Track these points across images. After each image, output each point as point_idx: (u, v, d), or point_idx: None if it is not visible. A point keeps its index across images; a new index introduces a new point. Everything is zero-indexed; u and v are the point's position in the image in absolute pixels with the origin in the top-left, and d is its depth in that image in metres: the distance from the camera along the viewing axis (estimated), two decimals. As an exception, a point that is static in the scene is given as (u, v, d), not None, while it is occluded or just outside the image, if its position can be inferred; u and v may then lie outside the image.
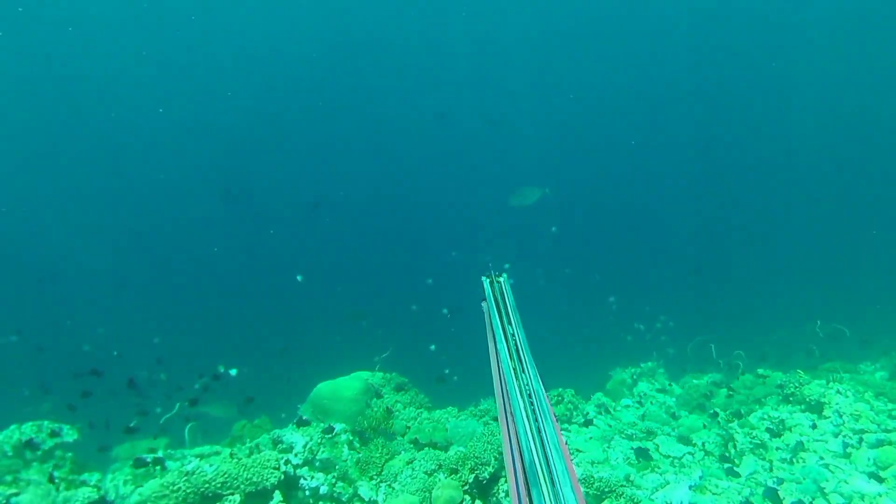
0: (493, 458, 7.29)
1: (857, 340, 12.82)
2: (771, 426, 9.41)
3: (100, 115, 22.51)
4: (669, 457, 9.51)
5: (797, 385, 9.96)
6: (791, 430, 9.24)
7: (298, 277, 14.69)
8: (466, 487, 7.13)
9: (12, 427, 9.76)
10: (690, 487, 8.06)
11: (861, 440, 8.60)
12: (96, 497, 8.35)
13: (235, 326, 17.72)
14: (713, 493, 8.11)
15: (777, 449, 8.94)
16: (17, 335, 13.87)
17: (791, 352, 13.31)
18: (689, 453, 9.52)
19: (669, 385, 12.98)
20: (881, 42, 21.45)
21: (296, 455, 7.86)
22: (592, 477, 7.25)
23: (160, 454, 9.88)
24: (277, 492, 7.05)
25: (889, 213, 19.19)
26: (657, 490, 8.10)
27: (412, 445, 8.77)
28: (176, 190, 23.97)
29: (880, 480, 7.74)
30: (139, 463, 8.80)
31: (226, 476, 6.84)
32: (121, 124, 22.79)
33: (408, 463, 8.31)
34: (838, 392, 9.49)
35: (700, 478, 8.33)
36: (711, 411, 11.05)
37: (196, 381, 12.12)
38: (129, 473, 9.31)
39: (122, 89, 22.42)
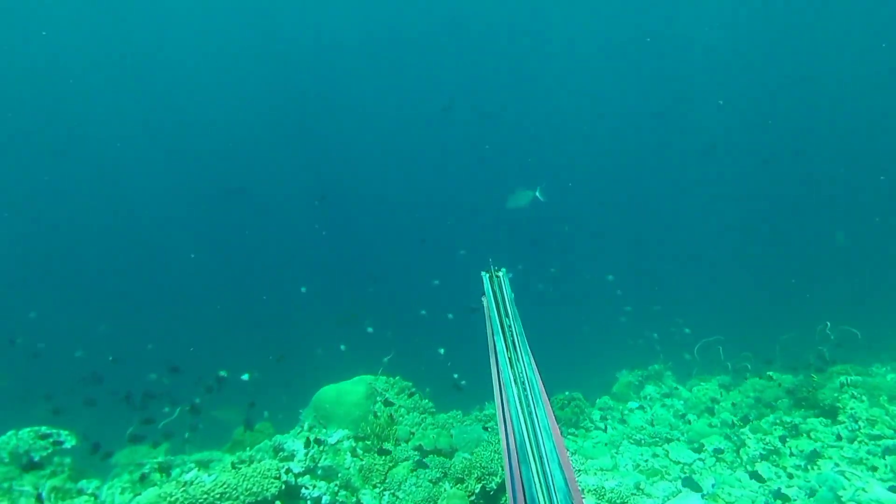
0: (500, 468, 7.01)
1: (868, 342, 12.49)
2: (784, 432, 9.09)
3: (99, 115, 22.25)
4: (680, 463, 9.22)
5: (810, 389, 9.65)
6: (805, 436, 8.92)
7: (302, 289, 14.49)
8: (473, 498, 6.85)
9: (9, 433, 9.49)
10: (703, 496, 7.76)
11: (879, 446, 8.28)
12: (92, 507, 8.07)
13: (239, 330, 17.45)
14: (726, 502, 7.81)
15: (791, 455, 8.63)
16: (15, 342, 13.67)
17: (800, 354, 12.98)
18: (700, 459, 9.22)
19: (676, 388, 12.67)
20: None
21: (297, 463, 7.59)
22: (604, 488, 6.95)
23: (160, 460, 9.64)
24: (278, 502, 6.78)
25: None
26: (669, 499, 7.80)
27: (416, 452, 8.47)
28: (174, 191, 23.72)
29: (899, 488, 7.44)
30: (142, 476, 8.55)
31: (224, 486, 6.56)
32: (120, 123, 22.54)
33: (412, 470, 8.03)
34: (853, 396, 9.18)
35: (713, 486, 8.02)
36: (721, 415, 10.76)
37: (198, 386, 11.88)
38: (126, 481, 9.05)
39: (121, 87, 22.18)
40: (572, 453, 9.72)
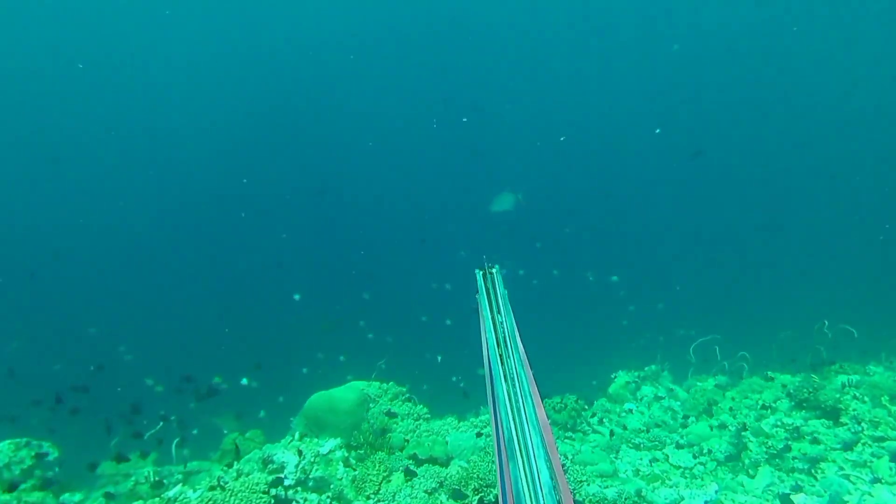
0: (497, 479, 6.69)
1: (865, 341, 12.27)
2: (786, 434, 8.83)
3: (87, 116, 21.80)
4: (680, 467, 8.95)
5: (811, 390, 9.39)
6: (807, 439, 8.66)
7: (296, 297, 14.18)
8: (470, 510, 6.54)
9: (-12, 445, 9.08)
10: (706, 503, 7.48)
11: (884, 448, 8.04)
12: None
13: (232, 336, 17.06)
14: (730, 509, 7.54)
15: (794, 459, 8.36)
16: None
17: (797, 353, 12.76)
18: (701, 463, 8.95)
19: (673, 389, 12.40)
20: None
21: (287, 475, 7.23)
22: (606, 499, 6.65)
23: (148, 471, 9.25)
24: (267, 518, 6.44)
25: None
26: (671, 506, 7.52)
27: (411, 461, 8.15)
28: (169, 195, 23.28)
29: (906, 493, 7.20)
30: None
31: (210, 503, 6.21)
32: (111, 125, 22.08)
33: (407, 481, 7.71)
34: (855, 397, 8.94)
35: (716, 492, 7.75)
36: (720, 417, 10.50)
37: (190, 393, 11.53)
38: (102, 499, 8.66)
39: (114, 88, 21.72)
40: (570, 458, 9.43)
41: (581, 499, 6.67)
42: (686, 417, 11.06)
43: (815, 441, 8.53)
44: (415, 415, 9.60)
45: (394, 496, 7.38)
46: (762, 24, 21.80)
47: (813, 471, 8.10)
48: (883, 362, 11.89)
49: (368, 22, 23.13)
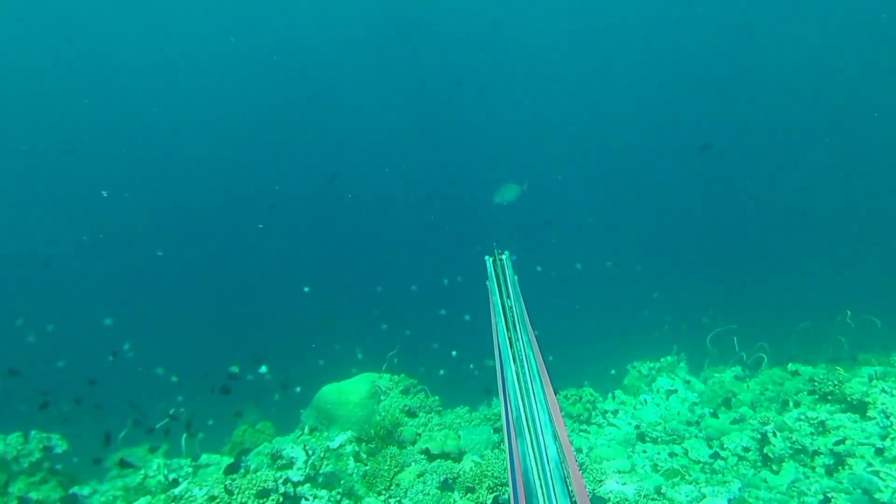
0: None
1: (889, 332, 11.82)
2: (810, 428, 8.45)
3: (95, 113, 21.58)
4: (700, 462, 8.61)
5: (836, 383, 8.98)
6: (833, 433, 8.27)
7: (305, 289, 13.99)
8: (485, 509, 6.24)
9: (-3, 437, 8.89)
10: (729, 501, 7.14)
11: (915, 445, 7.65)
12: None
13: (243, 327, 16.88)
14: (754, 507, 7.19)
15: (819, 454, 7.99)
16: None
17: (817, 343, 12.34)
18: (721, 458, 8.60)
19: (690, 380, 12.03)
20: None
21: (296, 471, 6.96)
22: (627, 499, 6.32)
23: (157, 463, 9.03)
24: (275, 516, 6.17)
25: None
26: (693, 504, 7.18)
27: (423, 456, 7.87)
28: (182, 191, 23.06)
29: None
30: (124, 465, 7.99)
31: (217, 501, 5.95)
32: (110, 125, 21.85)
33: (419, 476, 7.43)
34: (884, 391, 8.51)
35: (739, 489, 7.40)
36: (739, 410, 10.12)
37: (204, 385, 11.34)
38: (119, 488, 8.47)
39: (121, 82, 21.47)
40: (586, 453, 9.11)
41: (599, 496, 6.36)
42: (703, 409, 10.72)
43: (841, 436, 8.14)
44: (426, 407, 9.31)
45: (405, 492, 7.11)
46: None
47: (839, 466, 7.72)
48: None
49: (373, 16, 22.63)
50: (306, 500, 6.55)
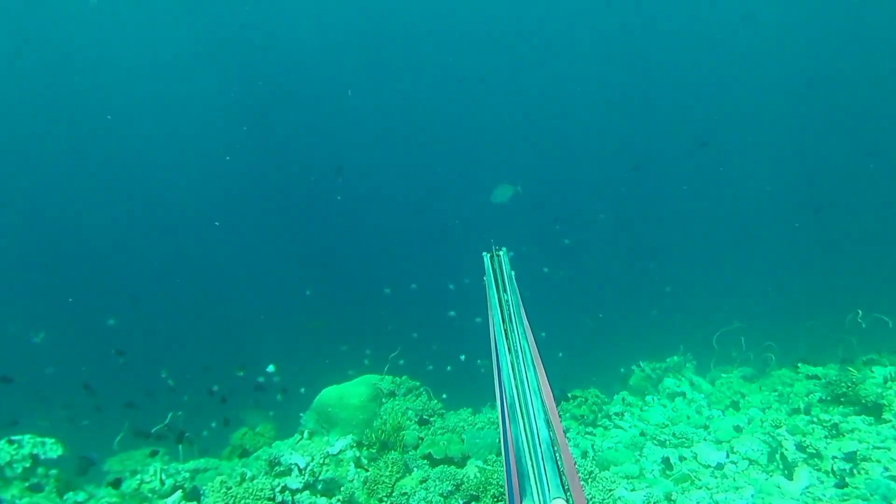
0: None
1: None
2: (824, 432, 8.14)
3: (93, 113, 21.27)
4: (709, 466, 8.30)
5: (849, 384, 8.67)
6: (847, 436, 7.96)
7: (307, 292, 13.86)
8: (490, 519, 5.95)
9: (-12, 443, 8.61)
10: (743, 508, 6.84)
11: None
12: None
13: (247, 328, 16.63)
14: (768, 514, 6.89)
15: (833, 458, 7.68)
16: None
17: (827, 343, 12.02)
18: (732, 462, 8.29)
19: (697, 381, 11.72)
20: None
21: (295, 478, 6.68)
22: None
23: (154, 468, 8.76)
24: (272, 526, 5.90)
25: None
26: (705, 512, 6.88)
27: (426, 461, 7.58)
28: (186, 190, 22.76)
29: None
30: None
31: (211, 511, 5.67)
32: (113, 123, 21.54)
33: (421, 482, 7.14)
34: (900, 393, 8.21)
35: (752, 496, 7.10)
36: (748, 412, 9.83)
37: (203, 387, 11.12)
38: (115, 495, 8.19)
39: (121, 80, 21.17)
40: (592, 457, 8.82)
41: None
42: (711, 410, 10.43)
43: (856, 439, 7.84)
44: (429, 410, 9.02)
45: (407, 499, 6.82)
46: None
47: (855, 471, 7.42)
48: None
49: (372, 12, 22.30)
50: (305, 508, 6.27)
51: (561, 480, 1.34)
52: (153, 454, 9.34)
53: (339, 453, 7.47)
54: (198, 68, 22.23)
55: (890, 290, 12.54)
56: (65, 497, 8.29)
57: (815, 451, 7.77)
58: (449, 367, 11.02)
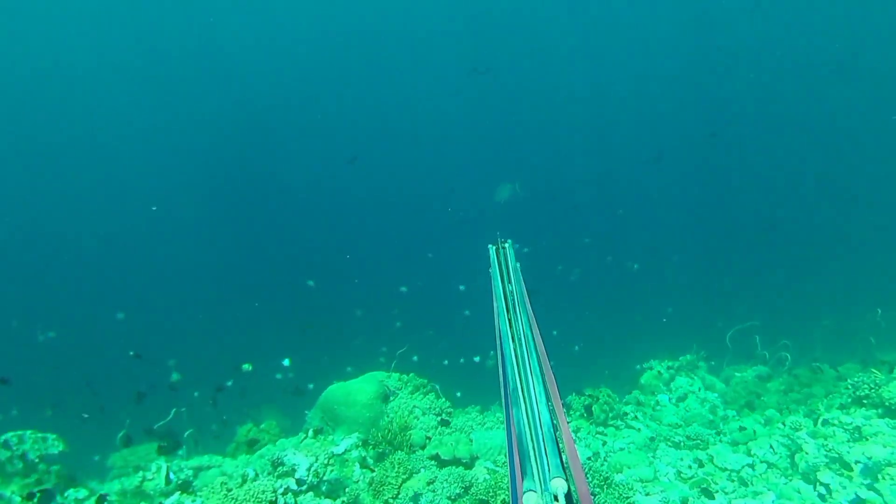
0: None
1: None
2: (845, 435, 7.78)
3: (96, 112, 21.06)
4: (727, 469, 7.97)
5: (872, 386, 8.30)
6: (870, 440, 7.60)
7: (310, 283, 13.67)
8: (500, 525, 5.66)
9: (-10, 438, 8.40)
10: (763, 515, 6.52)
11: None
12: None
13: (249, 325, 16.40)
14: (789, 521, 6.56)
15: (857, 463, 7.32)
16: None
17: (844, 342, 11.64)
18: (750, 465, 7.95)
19: (710, 380, 11.36)
20: None
21: (298, 479, 6.41)
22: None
23: (159, 464, 8.52)
24: (274, 530, 5.63)
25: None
26: (724, 518, 6.56)
27: (433, 462, 7.30)
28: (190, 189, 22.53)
29: None
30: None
31: (210, 515, 5.41)
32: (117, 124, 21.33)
33: (428, 483, 6.85)
34: (926, 396, 7.84)
35: (773, 502, 6.77)
36: (765, 412, 9.48)
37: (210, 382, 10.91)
38: (116, 492, 7.97)
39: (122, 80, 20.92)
40: (604, 458, 8.51)
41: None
42: (725, 411, 10.10)
43: (881, 443, 7.47)
44: (436, 409, 8.73)
45: (414, 502, 6.54)
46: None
47: (879, 476, 7.07)
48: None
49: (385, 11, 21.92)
50: (308, 511, 6.01)
51: (561, 460, 1.36)
52: (161, 450, 9.10)
53: (344, 453, 7.21)
54: (201, 69, 22.01)
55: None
56: (66, 494, 8.07)
57: (837, 455, 7.42)
58: (462, 360, 10.73)
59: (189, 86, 22.25)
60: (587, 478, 6.52)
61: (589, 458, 8.17)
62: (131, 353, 10.94)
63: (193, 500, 5.58)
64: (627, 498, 5.81)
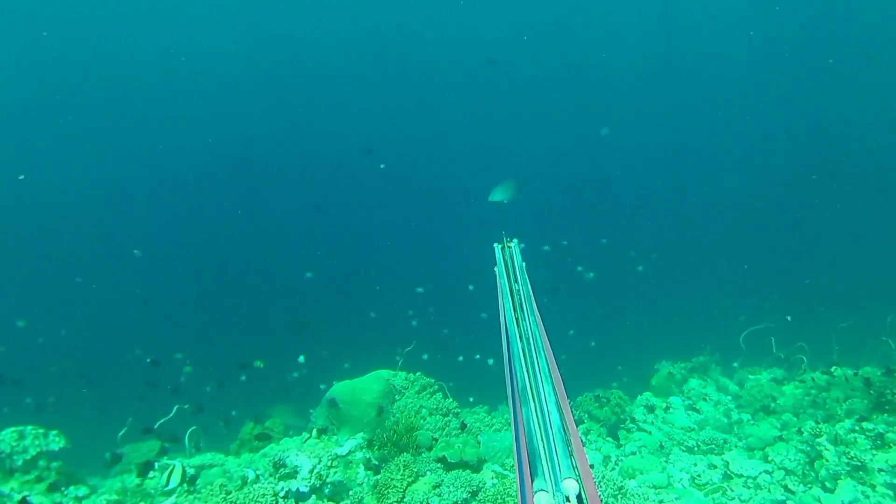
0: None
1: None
2: (867, 442, 7.46)
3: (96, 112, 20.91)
4: (742, 476, 7.67)
5: (895, 391, 7.97)
6: (894, 447, 7.28)
7: (308, 274, 13.57)
8: (508, 533, 5.40)
9: (-11, 434, 8.22)
10: (783, 525, 6.22)
11: None
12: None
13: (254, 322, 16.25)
14: (810, 532, 6.26)
15: (880, 471, 7.01)
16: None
17: (862, 345, 11.29)
18: (766, 472, 7.65)
19: (724, 382, 11.04)
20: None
21: (300, 481, 6.19)
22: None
23: (161, 461, 8.33)
24: (274, 535, 5.40)
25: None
26: (742, 528, 6.27)
27: (439, 465, 7.04)
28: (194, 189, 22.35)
29: None
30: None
31: (208, 518, 5.19)
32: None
33: (434, 487, 6.60)
34: (952, 402, 7.50)
35: (792, 511, 6.47)
36: (782, 417, 9.15)
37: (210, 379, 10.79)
38: (117, 490, 7.78)
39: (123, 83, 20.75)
40: (616, 463, 8.24)
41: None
42: (740, 414, 9.78)
43: (904, 451, 7.16)
44: (444, 409, 8.48)
45: (420, 506, 6.29)
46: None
47: (904, 487, 6.75)
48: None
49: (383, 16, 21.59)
50: (310, 515, 5.78)
51: (571, 461, 1.35)
52: (164, 451, 8.91)
53: (348, 454, 6.99)
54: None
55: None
56: (66, 491, 7.89)
57: (859, 463, 7.11)
58: (476, 355, 10.50)
59: (215, 81, 22.07)
60: (601, 486, 6.27)
61: (594, 464, 7.90)
62: (149, 359, 10.86)
63: (192, 502, 5.37)
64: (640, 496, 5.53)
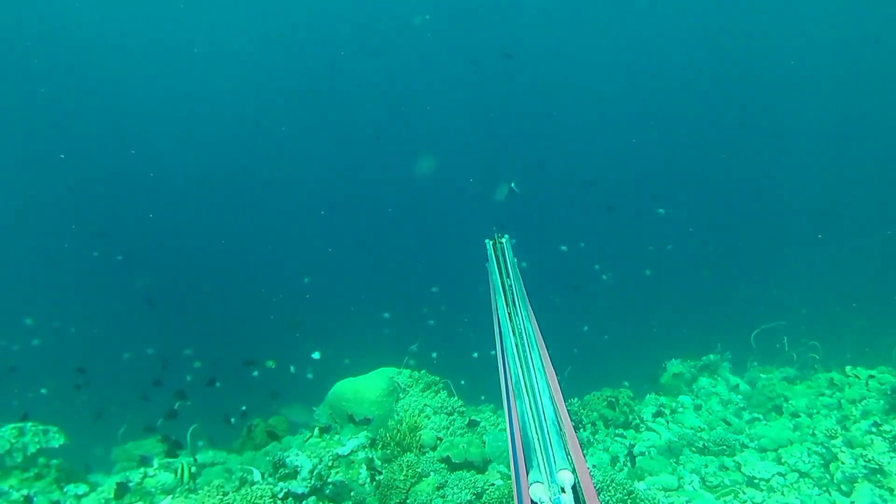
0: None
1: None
2: (885, 444, 7.22)
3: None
4: (756, 478, 7.43)
5: (914, 392, 7.73)
6: (912, 451, 7.04)
7: (305, 280, 13.54)
8: (514, 537, 5.19)
9: (-12, 430, 8.10)
10: (798, 530, 5.99)
11: None
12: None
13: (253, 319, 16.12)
14: (826, 538, 6.04)
15: (898, 475, 6.77)
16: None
17: (873, 344, 11.01)
18: (780, 474, 7.41)
19: (735, 382, 10.78)
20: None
21: (301, 482, 6.02)
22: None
23: (159, 461, 8.19)
24: (272, 537, 5.23)
25: None
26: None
27: (443, 465, 6.85)
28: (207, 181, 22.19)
29: None
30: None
31: (205, 520, 5.03)
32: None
33: (438, 489, 6.41)
34: (973, 404, 7.25)
35: (809, 516, 6.24)
36: (796, 418, 8.90)
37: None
38: (110, 493, 7.63)
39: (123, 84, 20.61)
40: (623, 462, 8.03)
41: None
42: (751, 414, 9.53)
43: (924, 455, 6.91)
44: (448, 408, 8.28)
45: (423, 508, 6.11)
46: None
47: (924, 491, 6.51)
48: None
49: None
50: (310, 517, 5.60)
51: (565, 453, 1.35)
52: (168, 453, 8.75)
53: (350, 454, 6.82)
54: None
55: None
56: (65, 489, 7.76)
57: (877, 466, 6.86)
58: (492, 352, 10.30)
59: (223, 79, 21.92)
60: (609, 490, 6.07)
61: (597, 466, 7.69)
62: (162, 365, 10.77)
63: (191, 502, 5.21)
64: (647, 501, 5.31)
